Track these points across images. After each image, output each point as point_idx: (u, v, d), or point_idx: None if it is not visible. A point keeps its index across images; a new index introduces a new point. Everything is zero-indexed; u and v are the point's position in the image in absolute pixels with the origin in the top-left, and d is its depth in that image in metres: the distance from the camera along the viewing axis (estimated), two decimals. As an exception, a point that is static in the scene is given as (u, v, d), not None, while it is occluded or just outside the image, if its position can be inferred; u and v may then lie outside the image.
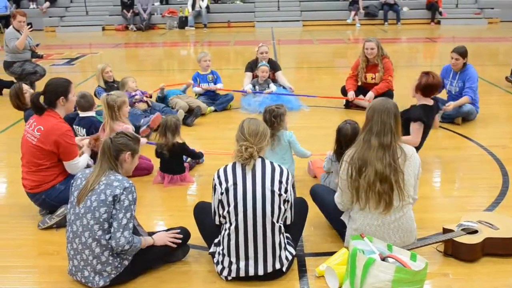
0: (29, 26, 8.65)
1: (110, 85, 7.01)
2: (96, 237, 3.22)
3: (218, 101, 7.51)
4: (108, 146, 3.35)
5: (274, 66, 7.97)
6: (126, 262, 3.32)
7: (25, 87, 5.74)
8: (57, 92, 4.17)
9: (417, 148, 5.14)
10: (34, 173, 4.17)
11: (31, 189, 4.21)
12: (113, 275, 3.30)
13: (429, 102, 5.09)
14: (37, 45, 8.89)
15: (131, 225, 3.25)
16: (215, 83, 7.62)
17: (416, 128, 4.96)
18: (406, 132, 5.03)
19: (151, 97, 7.13)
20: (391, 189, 3.38)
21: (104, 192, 3.22)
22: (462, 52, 6.62)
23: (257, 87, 7.54)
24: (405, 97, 7.31)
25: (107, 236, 3.22)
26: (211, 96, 7.57)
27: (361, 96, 7.26)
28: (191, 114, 6.90)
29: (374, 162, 3.37)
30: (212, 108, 7.40)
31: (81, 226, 3.25)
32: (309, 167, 5.14)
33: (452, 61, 6.71)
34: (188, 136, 6.35)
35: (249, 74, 7.89)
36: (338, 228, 3.82)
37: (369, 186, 3.39)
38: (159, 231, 3.62)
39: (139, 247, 3.32)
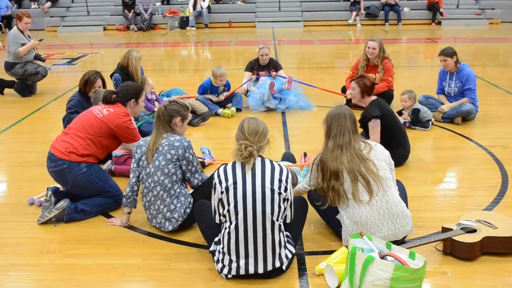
0: (40, 40, 8.68)
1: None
2: (167, 189, 3.88)
3: (234, 101, 7.45)
4: (163, 112, 3.96)
5: (275, 65, 8.00)
6: (188, 210, 3.94)
7: None
8: (130, 95, 4.61)
9: (404, 141, 5.17)
10: (78, 138, 4.35)
11: (60, 153, 4.30)
12: (180, 221, 3.94)
13: (374, 97, 5.23)
14: (40, 40, 8.82)
15: (199, 168, 4.01)
16: (224, 92, 7.55)
17: (372, 126, 5.09)
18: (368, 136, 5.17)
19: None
20: (363, 177, 3.58)
21: (169, 152, 3.85)
22: (447, 53, 6.66)
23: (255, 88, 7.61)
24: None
25: (175, 187, 3.88)
26: (222, 101, 7.52)
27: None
28: (196, 115, 6.86)
29: (330, 162, 3.65)
30: (233, 108, 7.29)
31: (152, 182, 3.88)
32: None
33: (442, 63, 6.76)
34: (190, 136, 6.36)
35: (249, 74, 7.92)
36: (335, 228, 3.85)
37: (332, 185, 3.62)
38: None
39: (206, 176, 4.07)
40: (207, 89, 7.46)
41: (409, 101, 6.58)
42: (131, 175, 4.05)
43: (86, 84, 5.70)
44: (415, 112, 6.48)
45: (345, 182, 3.61)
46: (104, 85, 5.84)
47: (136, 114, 4.83)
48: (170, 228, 3.95)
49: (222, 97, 7.44)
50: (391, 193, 3.63)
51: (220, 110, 7.23)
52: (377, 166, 3.64)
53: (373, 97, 5.23)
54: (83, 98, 5.71)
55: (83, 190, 4.35)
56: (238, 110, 7.33)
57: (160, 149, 3.86)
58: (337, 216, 3.74)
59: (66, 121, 5.42)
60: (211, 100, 7.35)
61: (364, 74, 5.28)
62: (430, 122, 6.51)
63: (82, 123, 4.44)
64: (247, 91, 7.74)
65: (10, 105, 8.28)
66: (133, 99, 4.63)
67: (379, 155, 3.71)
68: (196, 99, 7.38)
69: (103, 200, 4.39)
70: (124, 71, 6.83)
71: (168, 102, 4.09)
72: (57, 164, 4.30)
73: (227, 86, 7.59)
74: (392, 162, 3.82)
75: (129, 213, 4.13)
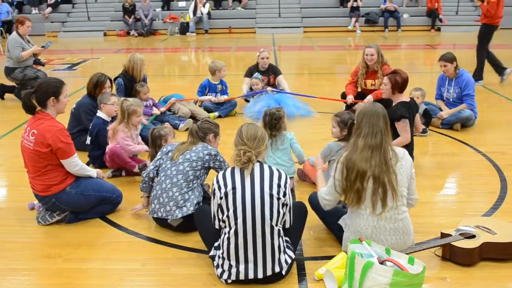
0: (43, 46, 8.68)
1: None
2: (188, 179, 4.04)
3: (222, 106, 7.54)
4: (196, 130, 4.25)
5: (275, 71, 8.04)
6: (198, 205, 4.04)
7: None
8: (48, 93, 4.10)
9: (409, 148, 5.20)
10: (40, 177, 4.17)
11: (40, 192, 4.21)
12: (190, 211, 3.98)
13: (406, 99, 5.22)
14: (43, 46, 8.75)
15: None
16: (222, 94, 7.64)
17: (401, 126, 5.08)
18: (394, 134, 5.11)
19: (163, 113, 7.05)
20: (384, 189, 3.42)
21: (202, 152, 4.10)
22: (447, 59, 6.70)
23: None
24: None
25: (194, 181, 4.07)
26: (216, 103, 7.59)
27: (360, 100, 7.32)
28: (197, 121, 6.86)
29: (358, 162, 3.44)
30: (216, 113, 7.40)
31: (175, 171, 4.06)
32: (301, 172, 5.17)
33: (442, 69, 6.80)
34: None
35: (248, 79, 7.96)
36: (336, 233, 3.85)
37: (357, 187, 3.44)
38: None
39: None
40: (206, 87, 7.60)
41: (421, 98, 6.65)
42: (151, 163, 4.33)
43: (96, 86, 5.73)
44: (427, 112, 6.56)
45: (368, 188, 3.45)
46: (111, 85, 5.96)
47: (61, 112, 4.27)
48: (179, 216, 3.99)
49: (221, 98, 7.51)
50: (403, 210, 3.53)
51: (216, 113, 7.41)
52: (398, 182, 3.48)
53: (405, 98, 5.20)
54: (91, 100, 5.77)
55: (83, 207, 4.32)
56: (219, 116, 7.39)
57: (193, 149, 4.12)
58: (339, 222, 3.74)
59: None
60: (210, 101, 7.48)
61: (398, 69, 5.27)
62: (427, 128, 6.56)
63: (29, 163, 4.17)
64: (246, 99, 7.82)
65: (10, 110, 8.30)
66: (52, 97, 4.10)
67: (403, 170, 3.52)
68: (195, 102, 7.44)
69: (102, 207, 4.41)
70: (128, 77, 6.84)
71: (201, 121, 4.42)
72: (46, 202, 4.25)
73: (225, 86, 7.70)
74: (413, 171, 3.65)
75: (148, 196, 4.32)
